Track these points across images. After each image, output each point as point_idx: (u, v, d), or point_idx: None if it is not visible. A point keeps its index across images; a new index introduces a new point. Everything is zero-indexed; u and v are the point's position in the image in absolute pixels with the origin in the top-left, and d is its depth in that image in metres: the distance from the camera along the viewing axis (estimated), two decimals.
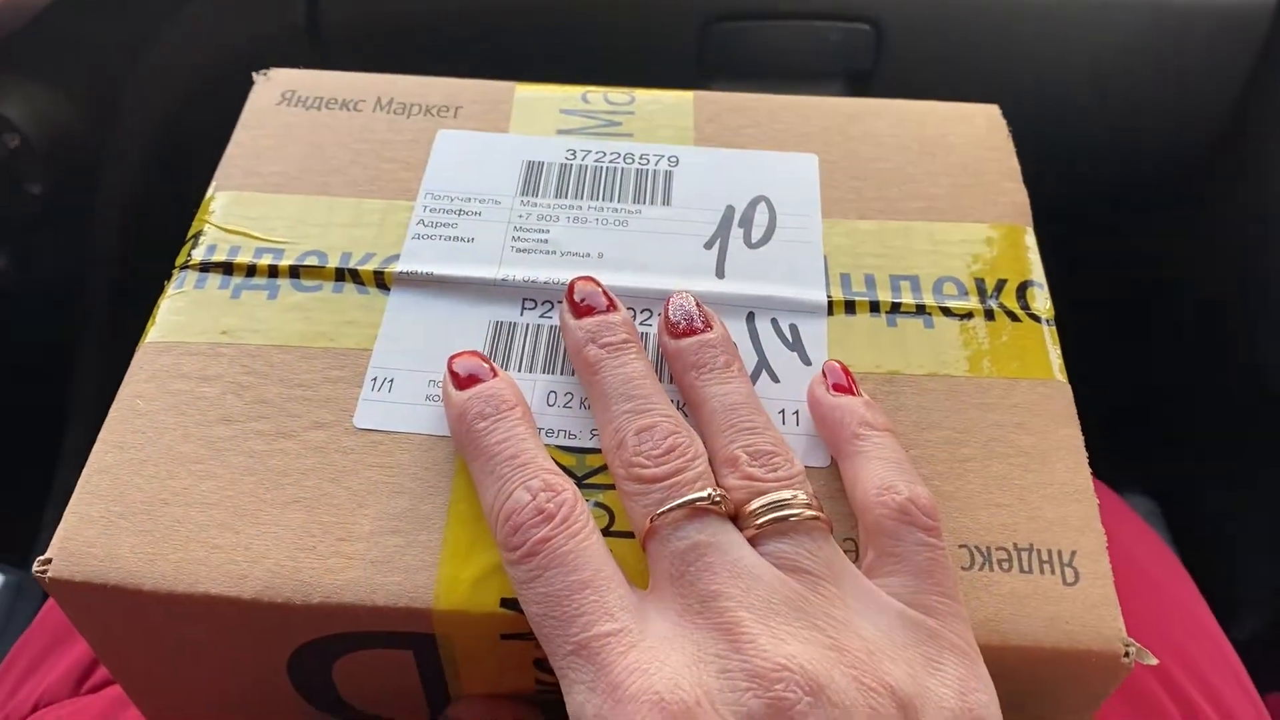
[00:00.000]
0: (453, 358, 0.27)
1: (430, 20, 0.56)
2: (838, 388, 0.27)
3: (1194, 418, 0.67)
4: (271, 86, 0.35)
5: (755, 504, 0.23)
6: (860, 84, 0.58)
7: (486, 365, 0.26)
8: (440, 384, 0.27)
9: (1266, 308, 0.56)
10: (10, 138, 0.55)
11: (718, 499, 0.23)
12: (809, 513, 0.23)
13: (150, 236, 0.62)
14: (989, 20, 0.55)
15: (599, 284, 0.28)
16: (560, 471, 0.24)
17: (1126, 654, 0.24)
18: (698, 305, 0.28)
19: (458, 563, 0.25)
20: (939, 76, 0.56)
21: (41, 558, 0.24)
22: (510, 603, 0.24)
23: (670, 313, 0.28)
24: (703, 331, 0.27)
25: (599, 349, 0.26)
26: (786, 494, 0.23)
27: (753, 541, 0.23)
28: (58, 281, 0.63)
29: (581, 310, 0.27)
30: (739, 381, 0.26)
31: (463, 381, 0.26)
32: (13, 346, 0.66)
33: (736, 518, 0.23)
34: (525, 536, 0.23)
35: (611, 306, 0.28)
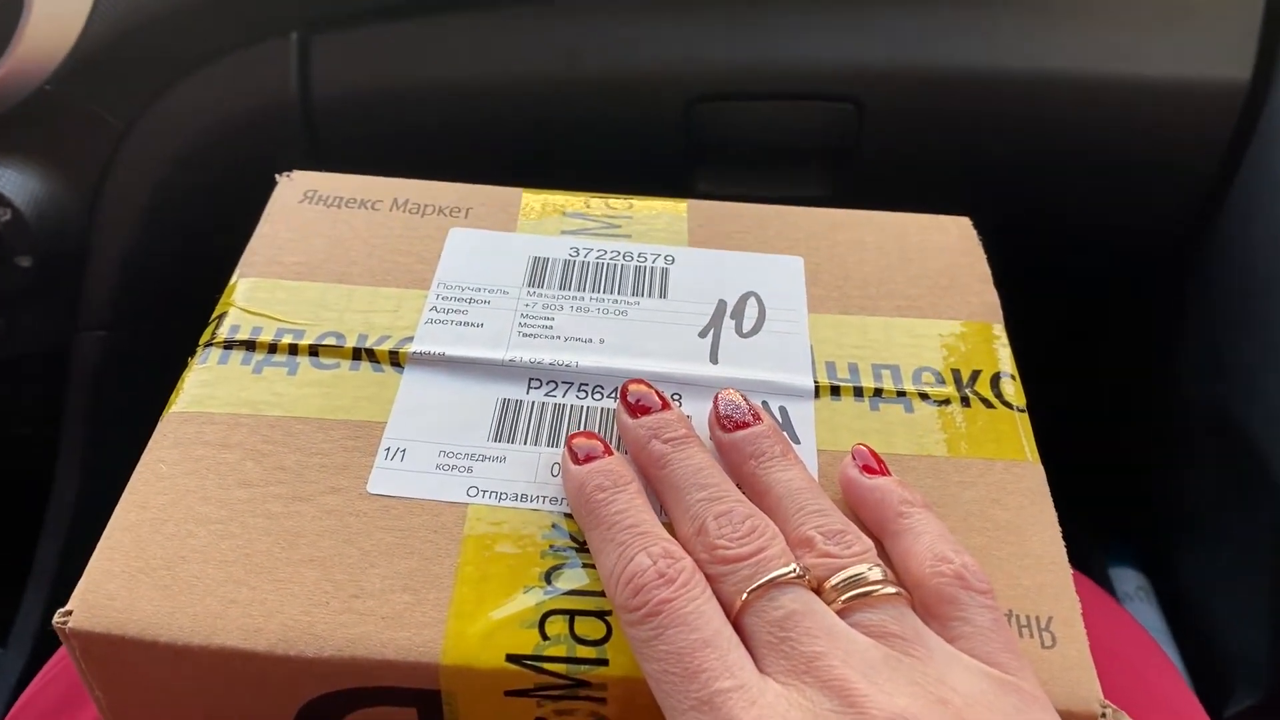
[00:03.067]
0: (571, 438, 0.28)
1: (418, 93, 0.58)
2: (868, 470, 0.28)
3: (1182, 495, 0.67)
4: (294, 186, 0.37)
5: (835, 579, 0.25)
6: (843, 160, 0.59)
7: (600, 444, 0.28)
8: (451, 455, 0.29)
9: (1253, 387, 0.57)
10: (2, 212, 0.56)
11: (801, 572, 0.24)
12: (890, 588, 0.24)
13: (139, 305, 0.62)
14: (969, 99, 0.57)
15: (651, 385, 0.30)
16: (676, 542, 0.26)
17: (1103, 714, 0.25)
18: (744, 400, 0.29)
19: (465, 620, 0.26)
20: (920, 153, 0.58)
21: (62, 610, 0.25)
22: (515, 659, 0.25)
23: (720, 408, 0.29)
24: (754, 424, 0.29)
25: (663, 444, 0.28)
26: (863, 568, 0.25)
27: (839, 614, 0.24)
28: (45, 352, 0.62)
29: (638, 410, 0.29)
30: (799, 468, 0.28)
31: (580, 459, 0.28)
32: None
33: (819, 592, 0.25)
34: (648, 597, 0.24)
35: (665, 405, 0.29)
